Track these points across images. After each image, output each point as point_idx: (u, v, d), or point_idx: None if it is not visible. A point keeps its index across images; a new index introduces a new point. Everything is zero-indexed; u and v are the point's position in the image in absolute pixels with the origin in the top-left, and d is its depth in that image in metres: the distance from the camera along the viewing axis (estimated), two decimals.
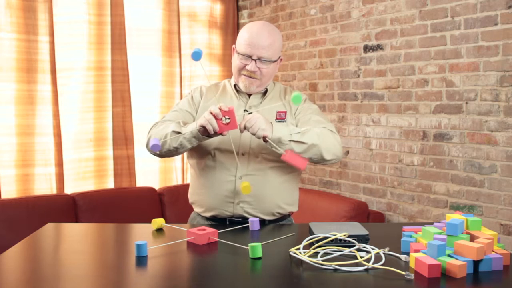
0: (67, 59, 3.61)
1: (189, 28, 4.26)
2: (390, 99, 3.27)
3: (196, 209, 1.92)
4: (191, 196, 1.95)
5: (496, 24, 2.69)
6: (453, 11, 2.88)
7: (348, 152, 3.59)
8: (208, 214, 1.86)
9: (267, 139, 1.67)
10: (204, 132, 1.66)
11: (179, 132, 1.72)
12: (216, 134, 1.65)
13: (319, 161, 1.78)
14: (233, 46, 1.90)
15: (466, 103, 2.85)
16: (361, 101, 3.47)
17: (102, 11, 3.73)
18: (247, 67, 1.80)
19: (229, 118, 1.61)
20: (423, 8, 3.04)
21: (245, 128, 1.66)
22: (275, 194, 1.84)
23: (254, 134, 1.66)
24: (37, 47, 3.46)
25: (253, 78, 1.82)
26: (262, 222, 1.81)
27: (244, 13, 4.51)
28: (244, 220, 1.77)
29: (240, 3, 4.54)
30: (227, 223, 1.82)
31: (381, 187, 3.37)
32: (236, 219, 1.82)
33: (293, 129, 1.73)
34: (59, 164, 3.57)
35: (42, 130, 3.51)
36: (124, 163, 3.86)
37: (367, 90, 3.42)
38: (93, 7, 3.69)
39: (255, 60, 1.79)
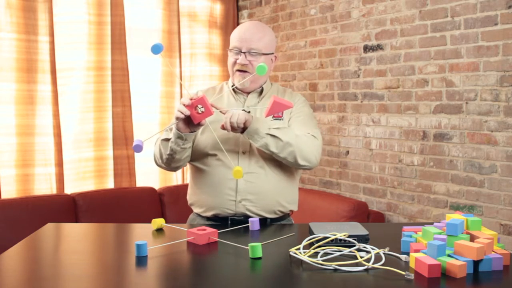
0: (67, 59, 3.61)
1: (189, 28, 4.26)
2: (390, 99, 3.27)
3: (196, 209, 1.92)
4: (191, 197, 1.95)
5: (496, 24, 2.69)
6: (453, 11, 2.88)
7: (348, 152, 3.59)
8: (209, 214, 1.86)
9: (246, 126, 1.69)
10: (183, 128, 1.68)
11: (169, 139, 1.76)
12: (195, 126, 1.67)
13: (293, 164, 1.80)
14: (228, 49, 1.94)
15: (466, 103, 2.85)
16: (361, 101, 3.47)
17: (102, 11, 3.72)
18: (238, 61, 1.83)
19: (203, 107, 1.60)
20: (423, 8, 3.04)
21: (231, 124, 1.68)
22: (276, 192, 1.85)
23: (235, 125, 1.67)
24: (37, 47, 3.46)
25: (245, 71, 1.83)
26: (263, 221, 1.82)
27: (244, 13, 4.51)
28: (246, 218, 1.77)
29: (240, 3, 4.54)
30: (229, 222, 1.82)
31: (381, 187, 3.37)
32: (238, 217, 1.82)
33: (272, 125, 1.77)
34: (59, 164, 3.56)
35: (42, 130, 3.51)
36: (124, 163, 3.86)
37: (367, 90, 3.42)
38: (93, 7, 3.69)
39: (244, 52, 1.83)
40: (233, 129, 1.69)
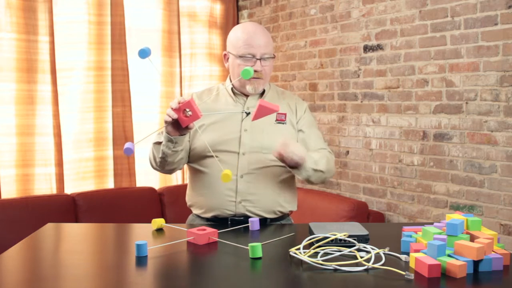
0: (67, 59, 3.61)
1: (189, 28, 4.26)
2: (390, 99, 3.27)
3: (195, 210, 1.92)
4: (190, 198, 1.95)
5: (496, 24, 2.69)
6: (453, 11, 2.88)
7: (348, 152, 3.59)
8: (209, 215, 1.86)
9: (300, 163, 1.71)
10: (173, 131, 1.68)
11: (161, 142, 1.76)
12: (183, 129, 1.66)
13: (313, 183, 1.85)
14: (224, 52, 1.91)
15: (466, 103, 2.85)
16: (361, 101, 3.47)
17: (102, 11, 3.73)
18: (254, 68, 1.79)
19: (190, 111, 1.60)
20: (423, 8, 3.04)
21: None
22: (276, 193, 1.85)
23: (291, 155, 1.67)
24: (37, 47, 3.46)
25: (260, 78, 1.83)
26: (263, 221, 1.82)
27: (244, 13, 4.51)
28: (246, 219, 1.77)
29: (240, 3, 4.54)
30: (229, 222, 1.82)
31: (381, 187, 3.37)
32: (238, 218, 1.82)
33: (310, 157, 1.76)
34: (59, 164, 3.57)
35: (42, 130, 3.51)
36: (124, 163, 3.86)
37: (367, 90, 3.42)
38: (93, 7, 3.69)
39: (259, 59, 1.81)
40: (283, 157, 1.68)
